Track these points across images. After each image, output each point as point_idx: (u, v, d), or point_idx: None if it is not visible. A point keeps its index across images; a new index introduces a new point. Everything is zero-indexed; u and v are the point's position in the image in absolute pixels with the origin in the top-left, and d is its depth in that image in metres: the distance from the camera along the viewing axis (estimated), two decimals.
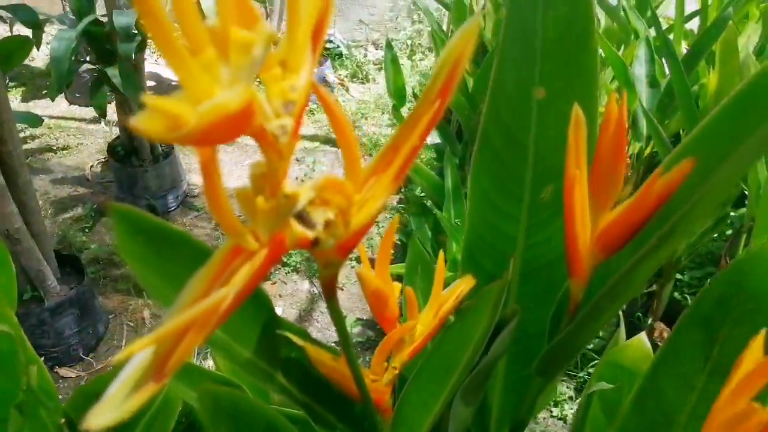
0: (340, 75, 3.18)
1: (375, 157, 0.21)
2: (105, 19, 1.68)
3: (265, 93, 0.16)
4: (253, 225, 0.18)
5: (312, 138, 2.69)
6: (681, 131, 1.58)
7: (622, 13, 1.75)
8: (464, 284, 0.34)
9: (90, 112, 2.78)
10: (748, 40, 1.49)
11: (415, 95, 2.06)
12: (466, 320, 0.34)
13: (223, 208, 0.17)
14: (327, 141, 2.69)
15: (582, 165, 0.29)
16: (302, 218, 0.20)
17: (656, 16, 1.66)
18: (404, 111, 2.01)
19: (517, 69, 0.34)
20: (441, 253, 0.34)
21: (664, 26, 1.84)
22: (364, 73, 3.29)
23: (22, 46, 1.18)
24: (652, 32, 1.61)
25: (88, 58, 1.90)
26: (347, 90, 3.12)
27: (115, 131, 2.48)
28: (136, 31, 1.63)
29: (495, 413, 0.42)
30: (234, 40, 0.14)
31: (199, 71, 0.14)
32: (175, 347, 0.16)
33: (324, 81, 2.88)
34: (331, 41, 3.27)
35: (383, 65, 3.07)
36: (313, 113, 2.89)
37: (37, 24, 1.36)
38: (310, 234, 0.20)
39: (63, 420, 0.54)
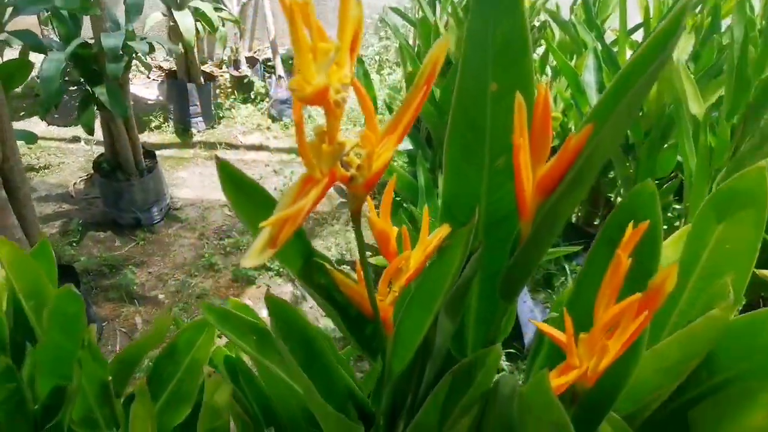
0: None
1: (386, 124, 0.33)
2: (91, 42, 1.76)
3: (329, 80, 0.28)
4: (318, 163, 0.29)
5: (289, 151, 2.79)
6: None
7: (572, 27, 1.91)
8: (443, 231, 0.45)
9: (69, 131, 2.83)
10: (682, 48, 1.65)
11: (388, 107, 2.18)
12: (445, 256, 0.45)
13: (305, 149, 0.28)
14: None
15: (524, 136, 0.40)
16: (343, 164, 0.31)
17: (600, 30, 1.82)
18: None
19: (476, 71, 0.46)
20: (426, 207, 0.45)
21: (613, 38, 2.01)
22: None
23: (22, 67, 1.26)
24: (601, 44, 1.76)
25: (67, 78, 1.96)
26: None
27: (96, 149, 2.54)
28: (122, 53, 1.72)
29: (470, 339, 0.53)
30: (320, 49, 0.25)
31: (307, 64, 0.25)
32: (280, 231, 0.27)
33: (277, 98, 2.99)
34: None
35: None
36: (287, 128, 2.99)
37: (42, 48, 1.44)
38: (348, 173, 0.31)
39: (110, 378, 0.63)
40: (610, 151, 0.42)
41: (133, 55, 1.79)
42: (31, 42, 1.34)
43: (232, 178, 0.38)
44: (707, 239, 0.54)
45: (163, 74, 3.31)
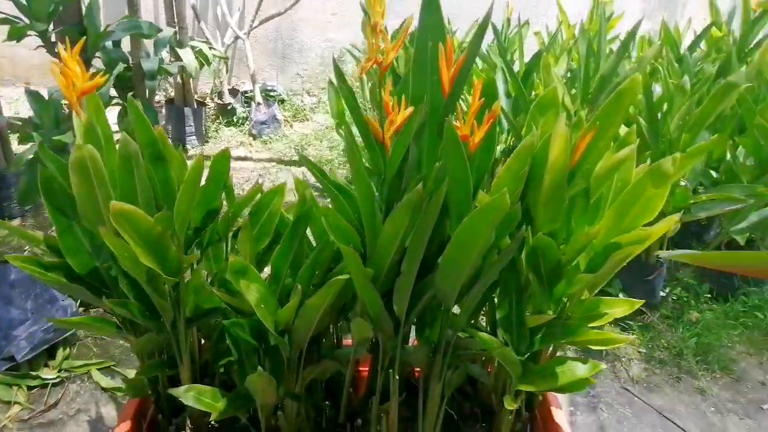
0: (285, 115, 3.81)
1: (390, 46, 0.85)
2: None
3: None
4: (370, 45, 0.81)
5: (269, 160, 3.28)
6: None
7: (489, 56, 2.52)
8: (410, 111, 0.97)
9: None
10: (560, 65, 2.28)
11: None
12: (411, 119, 0.97)
13: (368, 33, 0.80)
14: (280, 162, 3.29)
15: (443, 60, 0.94)
16: (377, 61, 0.84)
17: (506, 57, 2.43)
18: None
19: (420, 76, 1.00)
20: (404, 96, 0.98)
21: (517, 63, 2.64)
22: (303, 114, 3.95)
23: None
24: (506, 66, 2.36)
25: None
26: (291, 126, 3.75)
27: None
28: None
29: (425, 164, 1.05)
30: (375, 25, 0.77)
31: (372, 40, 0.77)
32: (363, 70, 0.78)
33: (275, 118, 3.50)
34: (274, 90, 3.91)
35: (317, 106, 3.73)
36: (266, 143, 3.48)
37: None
38: (379, 60, 0.83)
39: (232, 211, 1.11)
40: (470, 63, 0.95)
41: (163, 76, 2.27)
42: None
43: None
44: (537, 123, 1.09)
45: (158, 105, 3.76)
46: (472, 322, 1.19)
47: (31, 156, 1.57)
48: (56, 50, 1.59)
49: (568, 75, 2.35)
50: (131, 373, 1.65)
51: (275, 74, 4.05)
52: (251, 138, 3.51)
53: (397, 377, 1.10)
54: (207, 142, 3.42)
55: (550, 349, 1.23)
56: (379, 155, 0.97)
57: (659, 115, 1.85)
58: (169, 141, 1.06)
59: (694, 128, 1.84)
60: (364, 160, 0.99)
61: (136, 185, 0.95)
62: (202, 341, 1.20)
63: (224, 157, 1.05)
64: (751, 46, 2.46)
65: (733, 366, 1.88)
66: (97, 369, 1.67)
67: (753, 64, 1.99)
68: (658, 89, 2.06)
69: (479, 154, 0.93)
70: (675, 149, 1.83)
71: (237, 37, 3.62)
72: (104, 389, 1.61)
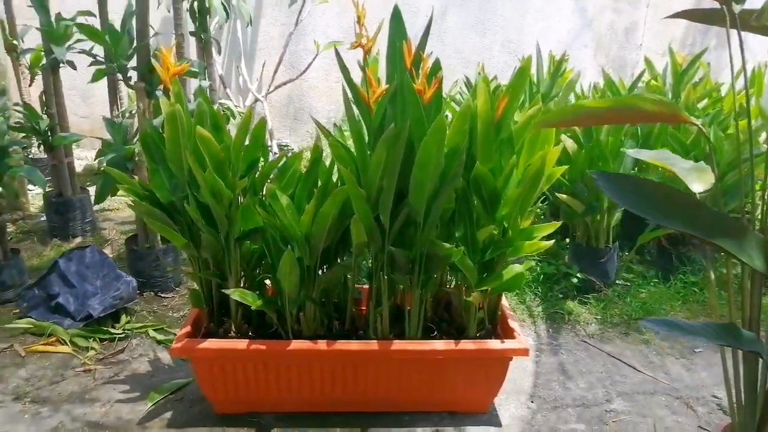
0: None
1: (368, 39, 1.32)
2: None
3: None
4: (358, 40, 1.28)
5: None
6: None
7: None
8: (388, 87, 1.43)
9: None
10: None
11: None
12: (390, 89, 1.43)
13: (359, 40, 1.28)
14: None
15: (407, 56, 1.41)
16: (361, 45, 1.31)
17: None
18: None
19: (392, 64, 1.48)
20: (370, 69, 1.43)
21: None
22: None
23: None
24: None
25: None
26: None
27: None
28: None
29: (398, 119, 1.50)
30: (360, 19, 1.25)
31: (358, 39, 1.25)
32: (356, 44, 1.25)
33: None
34: (288, 145, 4.45)
35: (325, 159, 4.23)
36: None
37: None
38: (364, 44, 1.31)
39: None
40: (420, 56, 1.42)
41: None
42: None
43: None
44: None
45: None
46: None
47: (105, 164, 2.04)
48: (131, 83, 2.11)
49: None
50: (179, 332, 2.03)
51: (288, 133, 4.62)
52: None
53: (385, 277, 1.49)
54: None
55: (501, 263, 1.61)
56: (368, 114, 1.42)
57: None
58: (221, 115, 1.52)
59: (615, 134, 2.29)
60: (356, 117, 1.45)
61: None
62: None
63: (262, 123, 1.51)
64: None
65: None
66: (153, 330, 2.04)
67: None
68: None
69: (432, 108, 1.38)
70: (605, 150, 2.28)
71: (257, 100, 4.21)
72: (158, 341, 1.98)
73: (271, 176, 1.59)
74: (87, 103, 4.34)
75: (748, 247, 0.86)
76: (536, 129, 1.36)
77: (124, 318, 2.08)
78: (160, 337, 2.00)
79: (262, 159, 1.56)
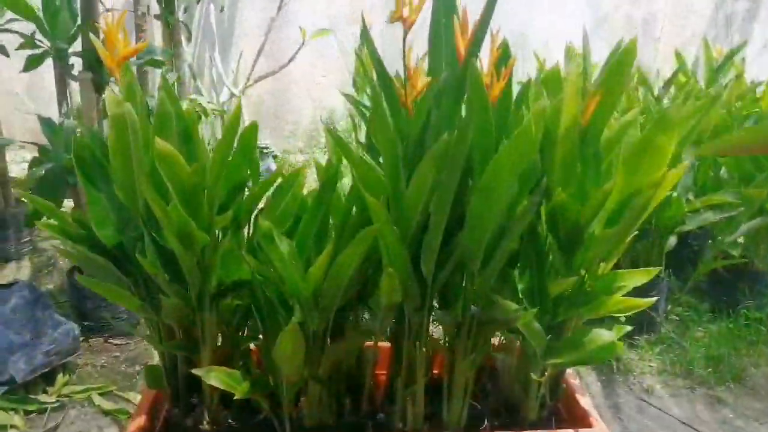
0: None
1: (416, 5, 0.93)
2: None
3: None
4: (398, 11, 0.88)
5: None
6: None
7: None
8: (429, 80, 1.04)
9: None
10: None
11: None
12: (433, 82, 1.03)
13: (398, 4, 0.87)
14: None
15: (458, 33, 1.01)
16: (403, 19, 0.91)
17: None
18: None
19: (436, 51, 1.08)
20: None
21: None
22: None
23: None
24: None
25: None
26: None
27: None
28: None
29: (443, 126, 1.10)
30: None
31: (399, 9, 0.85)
32: (395, 17, 0.85)
33: (269, 170, 3.57)
34: (267, 147, 4.02)
35: (311, 165, 3.83)
36: None
37: None
38: (405, 17, 0.91)
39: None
40: (484, 29, 1.02)
41: None
42: None
43: None
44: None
45: None
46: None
47: (41, 174, 1.59)
48: (73, 73, 1.66)
49: None
50: (135, 397, 1.60)
51: (269, 133, 4.18)
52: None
53: (424, 350, 1.09)
54: None
55: (572, 327, 1.23)
56: (403, 119, 1.02)
57: None
58: (195, 118, 1.10)
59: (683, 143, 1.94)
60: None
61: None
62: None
63: (252, 129, 1.09)
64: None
65: (745, 376, 1.87)
66: (99, 394, 1.60)
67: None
68: None
69: (499, 107, 0.99)
70: None
71: (232, 95, 3.77)
72: (105, 412, 1.54)
73: (263, 199, 1.18)
74: (33, 97, 3.84)
75: None
76: (705, 152, 0.98)
77: (60, 378, 1.64)
78: (108, 405, 1.57)
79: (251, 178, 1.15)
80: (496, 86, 0.94)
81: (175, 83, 2.86)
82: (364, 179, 0.97)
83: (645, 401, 1.74)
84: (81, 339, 1.77)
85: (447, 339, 1.15)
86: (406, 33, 0.93)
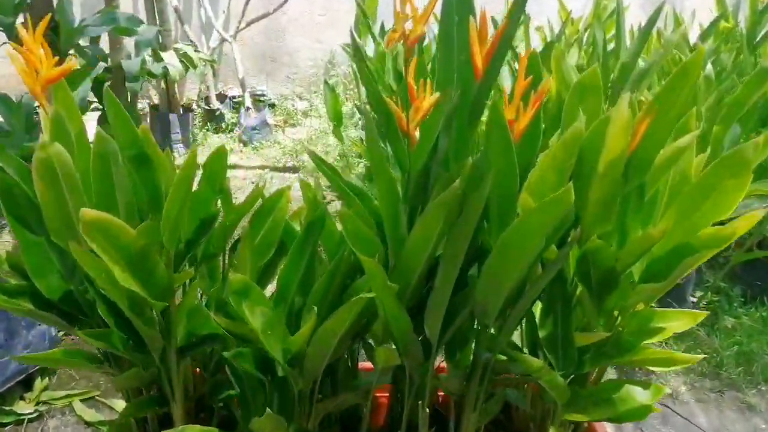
0: (276, 120, 3.67)
1: (416, 19, 0.72)
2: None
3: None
4: (397, 24, 0.67)
5: (262, 167, 3.14)
6: None
7: None
8: (438, 95, 0.84)
9: None
10: (570, 58, 2.17)
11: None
12: (439, 106, 0.84)
13: (397, 16, 0.67)
14: (274, 169, 3.15)
15: (474, 37, 0.80)
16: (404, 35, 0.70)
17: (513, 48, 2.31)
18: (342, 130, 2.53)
19: (448, 14, 0.87)
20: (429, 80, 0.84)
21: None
22: (295, 118, 3.81)
23: (83, 74, 1.57)
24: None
25: None
26: (283, 131, 3.61)
27: None
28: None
29: (452, 160, 0.91)
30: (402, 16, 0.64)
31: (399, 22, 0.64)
32: (391, 40, 0.65)
33: (266, 123, 3.36)
34: (264, 95, 3.77)
35: (310, 110, 3.60)
36: (257, 150, 3.34)
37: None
38: (407, 33, 0.70)
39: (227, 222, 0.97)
40: (510, 38, 0.81)
41: (145, 77, 2.13)
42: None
43: None
44: (576, 112, 0.96)
45: (144, 110, 3.62)
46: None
47: None
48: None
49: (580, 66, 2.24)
50: (119, 405, 1.50)
51: (264, 78, 3.92)
52: (241, 145, 3.37)
53: (427, 410, 0.96)
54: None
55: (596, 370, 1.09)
56: (404, 148, 0.83)
57: None
58: (155, 141, 0.91)
59: (726, 120, 1.72)
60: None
61: (115, 191, 0.81)
62: (197, 370, 1.06)
63: (220, 155, 0.91)
64: (759, 38, 2.38)
65: None
66: (80, 400, 1.51)
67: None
68: None
69: (523, 143, 0.80)
70: (705, 144, 1.72)
71: (223, 40, 3.49)
72: (87, 423, 1.46)
73: (241, 226, 1.02)
74: None
75: None
76: None
77: (39, 383, 1.54)
78: (89, 415, 1.48)
79: (221, 207, 0.98)
80: (522, 118, 0.74)
81: (159, 35, 2.61)
82: (354, 235, 0.79)
83: (669, 408, 1.63)
84: (62, 335, 1.67)
85: (455, 389, 1.01)
86: (410, 53, 0.73)
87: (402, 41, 0.71)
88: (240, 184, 2.93)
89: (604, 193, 0.85)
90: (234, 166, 3.15)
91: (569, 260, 0.93)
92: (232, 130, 3.47)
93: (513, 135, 0.76)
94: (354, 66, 2.61)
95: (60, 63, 1.54)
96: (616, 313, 0.99)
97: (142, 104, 3.69)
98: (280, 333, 0.83)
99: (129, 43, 2.21)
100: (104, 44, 2.18)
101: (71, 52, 1.58)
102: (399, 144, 0.83)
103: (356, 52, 0.82)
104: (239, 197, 2.77)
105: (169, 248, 0.78)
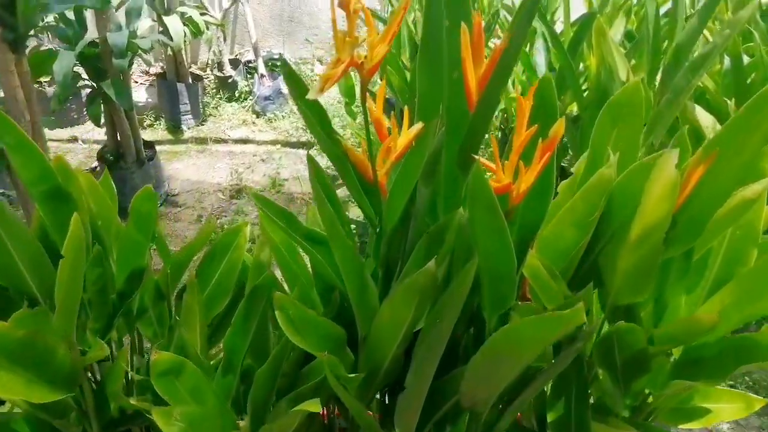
0: None
1: (380, 35, 0.51)
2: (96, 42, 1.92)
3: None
4: (341, 51, 0.47)
5: (273, 142, 2.96)
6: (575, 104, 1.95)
7: None
8: (419, 127, 0.64)
9: (64, 133, 2.96)
10: (615, 29, 1.88)
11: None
12: (421, 141, 0.64)
13: (338, 40, 0.47)
14: (286, 144, 2.97)
15: (468, 51, 0.59)
16: (354, 62, 0.50)
17: (546, 19, 2.03)
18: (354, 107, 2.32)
19: (435, 15, 0.66)
20: (407, 107, 0.64)
21: (560, 27, 2.24)
22: (312, 86, 3.58)
23: (49, 58, 1.41)
24: (548, 30, 1.98)
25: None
26: None
27: (93, 148, 2.69)
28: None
29: (440, 208, 0.72)
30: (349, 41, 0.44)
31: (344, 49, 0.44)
32: (324, 84, 0.45)
33: (280, 92, 3.16)
34: (278, 58, 3.55)
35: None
36: (271, 122, 3.16)
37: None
38: (359, 61, 0.50)
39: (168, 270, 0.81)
40: (514, 56, 0.60)
41: (136, 52, 1.95)
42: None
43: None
44: (607, 138, 0.74)
45: (150, 79, 3.46)
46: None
47: None
48: None
49: (626, 43, 1.96)
50: None
51: (282, 41, 3.70)
52: (254, 116, 3.19)
53: None
54: (205, 121, 3.12)
55: None
56: (369, 203, 0.64)
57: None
58: (71, 168, 0.74)
59: None
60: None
61: (10, 249, 0.65)
62: None
63: (147, 196, 0.74)
64: None
65: None
66: None
67: None
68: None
69: (528, 205, 0.60)
70: None
71: (235, 1, 3.27)
72: None
73: (188, 271, 0.86)
74: None
75: None
76: None
77: None
78: None
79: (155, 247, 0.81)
80: (524, 178, 0.54)
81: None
82: (300, 322, 0.61)
83: None
84: None
85: None
86: (364, 85, 0.53)
87: (353, 71, 0.51)
88: (249, 161, 2.76)
89: (638, 262, 0.64)
90: (245, 141, 2.98)
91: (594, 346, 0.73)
92: (246, 99, 3.29)
93: (512, 199, 0.56)
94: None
95: (18, 45, 1.36)
96: (646, 391, 0.80)
97: (154, 68, 3.53)
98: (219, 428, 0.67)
99: (122, 13, 2.03)
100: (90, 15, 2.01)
101: (31, 33, 1.41)
102: (362, 198, 0.63)
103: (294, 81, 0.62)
104: (246, 177, 2.62)
105: (69, 330, 0.62)
